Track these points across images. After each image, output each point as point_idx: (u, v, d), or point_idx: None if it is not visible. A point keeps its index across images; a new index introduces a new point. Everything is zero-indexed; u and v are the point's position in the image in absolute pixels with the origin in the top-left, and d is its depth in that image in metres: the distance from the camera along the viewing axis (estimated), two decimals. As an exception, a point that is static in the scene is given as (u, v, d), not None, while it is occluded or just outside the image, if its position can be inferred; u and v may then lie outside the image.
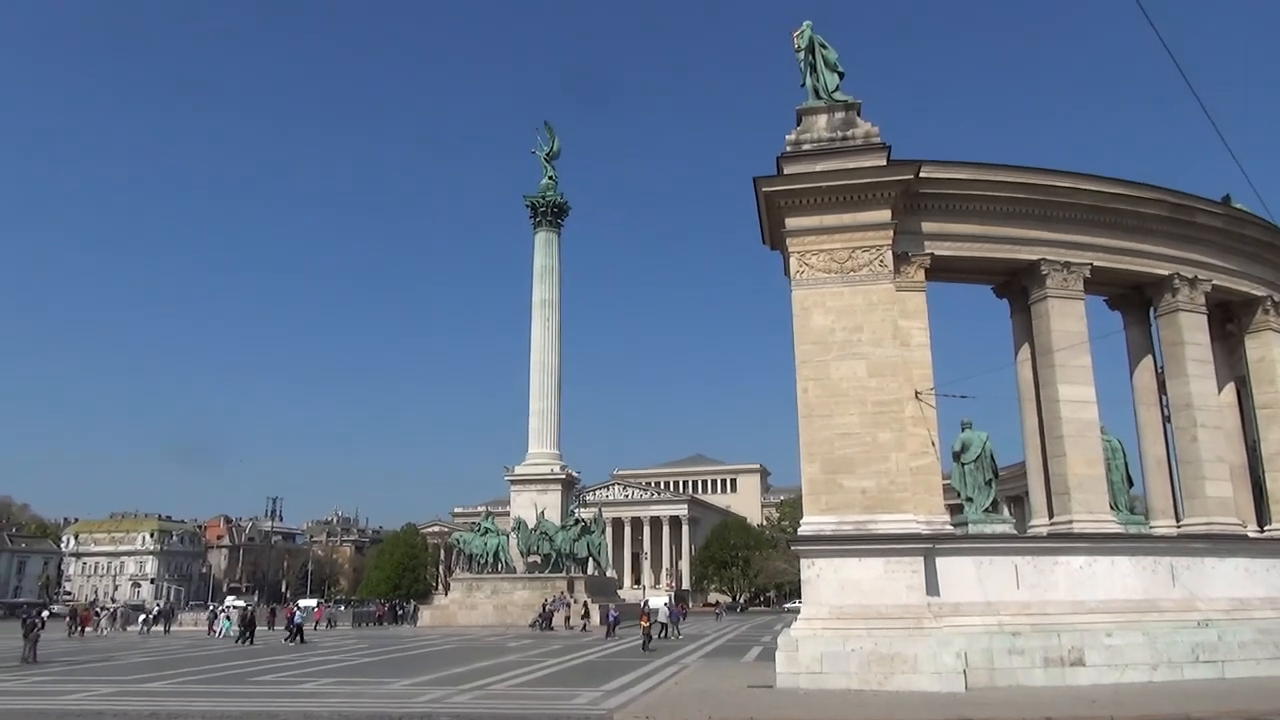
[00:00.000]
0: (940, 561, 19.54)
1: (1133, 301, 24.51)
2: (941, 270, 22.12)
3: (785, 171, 21.46)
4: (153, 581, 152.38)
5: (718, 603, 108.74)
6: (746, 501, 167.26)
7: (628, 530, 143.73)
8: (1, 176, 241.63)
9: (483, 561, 68.21)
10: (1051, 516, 21.79)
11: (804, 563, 19.93)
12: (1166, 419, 23.93)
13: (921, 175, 20.99)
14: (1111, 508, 21.46)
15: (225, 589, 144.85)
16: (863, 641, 18.53)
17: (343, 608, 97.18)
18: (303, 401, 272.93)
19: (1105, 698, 16.99)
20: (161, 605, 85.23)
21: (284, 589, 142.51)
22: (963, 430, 21.81)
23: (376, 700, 20.27)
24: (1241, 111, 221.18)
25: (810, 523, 20.00)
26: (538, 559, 66.61)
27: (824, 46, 22.22)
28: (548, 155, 77.69)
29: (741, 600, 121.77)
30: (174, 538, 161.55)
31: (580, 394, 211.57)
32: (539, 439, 71.20)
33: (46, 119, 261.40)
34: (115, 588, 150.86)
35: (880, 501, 19.57)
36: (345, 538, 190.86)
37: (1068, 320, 21.94)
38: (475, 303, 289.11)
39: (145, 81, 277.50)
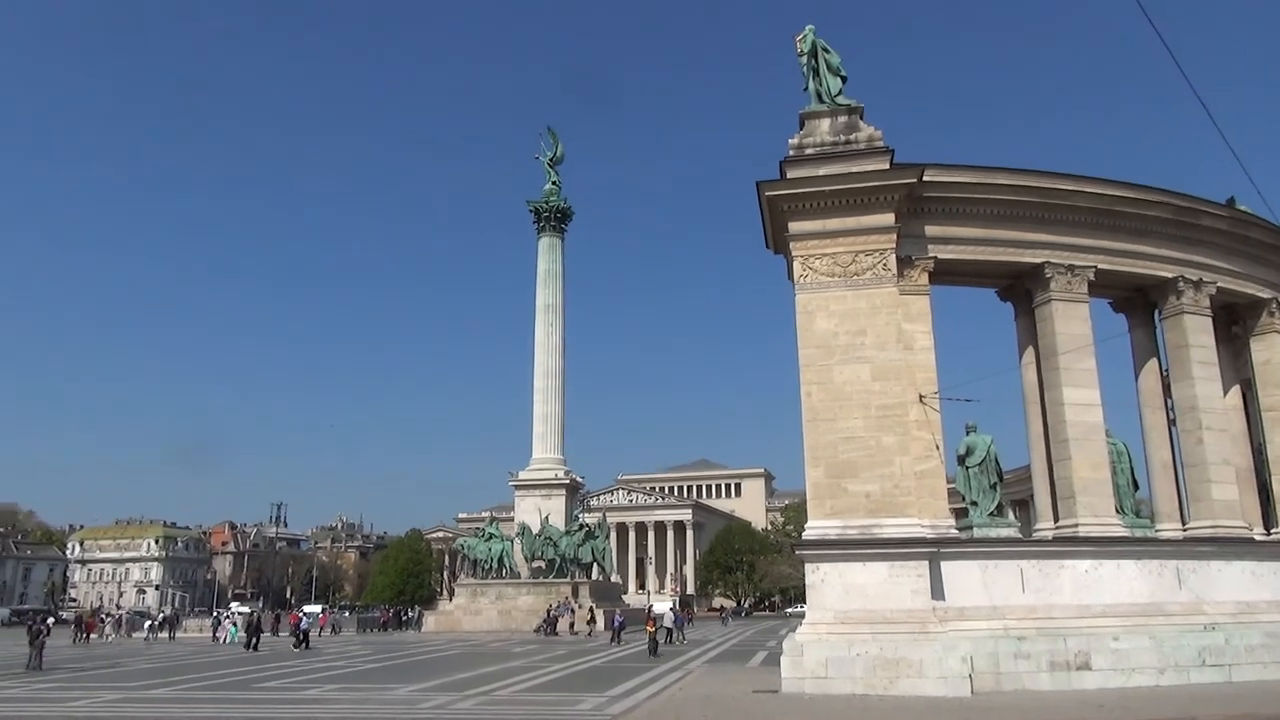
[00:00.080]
0: (945, 565, 19.49)
1: (1137, 304, 24.46)
2: (945, 274, 22.08)
3: (788, 175, 21.47)
4: (158, 588, 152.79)
5: (722, 608, 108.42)
6: (751, 506, 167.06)
7: (632, 535, 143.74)
8: (1, 176, 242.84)
9: (487, 567, 68.27)
10: (1057, 520, 21.72)
11: (808, 567, 19.91)
12: (1172, 422, 23.86)
13: (924, 179, 20.97)
14: (1117, 511, 21.40)
15: (230, 595, 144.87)
16: (868, 646, 18.48)
17: (347, 614, 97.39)
18: (307, 406, 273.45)
19: (1112, 702, 16.92)
20: (166, 612, 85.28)
21: (289, 595, 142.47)
22: (967, 434, 21.81)
23: (381, 706, 20.29)
24: (1244, 113, 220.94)
25: (814, 527, 19.97)
26: (542, 564, 66.60)
27: (826, 50, 22.22)
28: (551, 160, 77.91)
29: (746, 605, 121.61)
30: (179, 544, 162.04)
31: (584, 398, 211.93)
32: (543, 444, 71.29)
33: (46, 119, 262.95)
34: (120, 594, 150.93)
35: (885, 505, 19.52)
36: (350, 543, 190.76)
37: (1072, 323, 21.90)
38: (479, 307, 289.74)
39: (145, 81, 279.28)
